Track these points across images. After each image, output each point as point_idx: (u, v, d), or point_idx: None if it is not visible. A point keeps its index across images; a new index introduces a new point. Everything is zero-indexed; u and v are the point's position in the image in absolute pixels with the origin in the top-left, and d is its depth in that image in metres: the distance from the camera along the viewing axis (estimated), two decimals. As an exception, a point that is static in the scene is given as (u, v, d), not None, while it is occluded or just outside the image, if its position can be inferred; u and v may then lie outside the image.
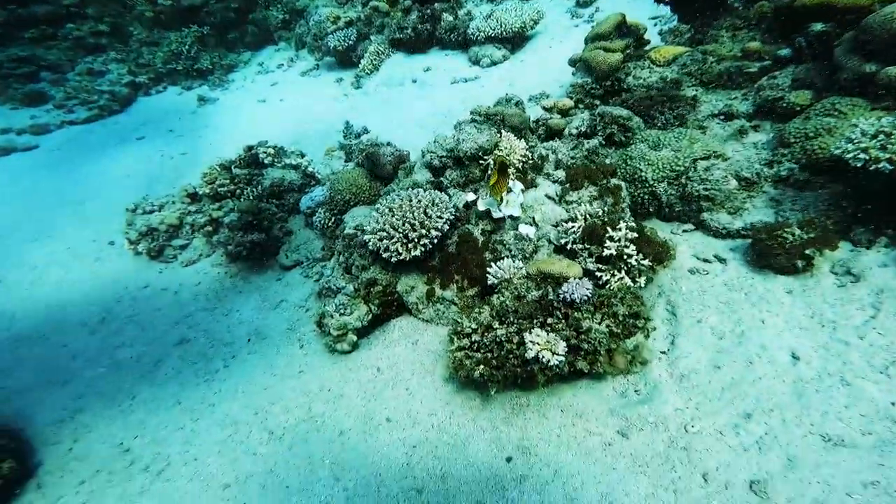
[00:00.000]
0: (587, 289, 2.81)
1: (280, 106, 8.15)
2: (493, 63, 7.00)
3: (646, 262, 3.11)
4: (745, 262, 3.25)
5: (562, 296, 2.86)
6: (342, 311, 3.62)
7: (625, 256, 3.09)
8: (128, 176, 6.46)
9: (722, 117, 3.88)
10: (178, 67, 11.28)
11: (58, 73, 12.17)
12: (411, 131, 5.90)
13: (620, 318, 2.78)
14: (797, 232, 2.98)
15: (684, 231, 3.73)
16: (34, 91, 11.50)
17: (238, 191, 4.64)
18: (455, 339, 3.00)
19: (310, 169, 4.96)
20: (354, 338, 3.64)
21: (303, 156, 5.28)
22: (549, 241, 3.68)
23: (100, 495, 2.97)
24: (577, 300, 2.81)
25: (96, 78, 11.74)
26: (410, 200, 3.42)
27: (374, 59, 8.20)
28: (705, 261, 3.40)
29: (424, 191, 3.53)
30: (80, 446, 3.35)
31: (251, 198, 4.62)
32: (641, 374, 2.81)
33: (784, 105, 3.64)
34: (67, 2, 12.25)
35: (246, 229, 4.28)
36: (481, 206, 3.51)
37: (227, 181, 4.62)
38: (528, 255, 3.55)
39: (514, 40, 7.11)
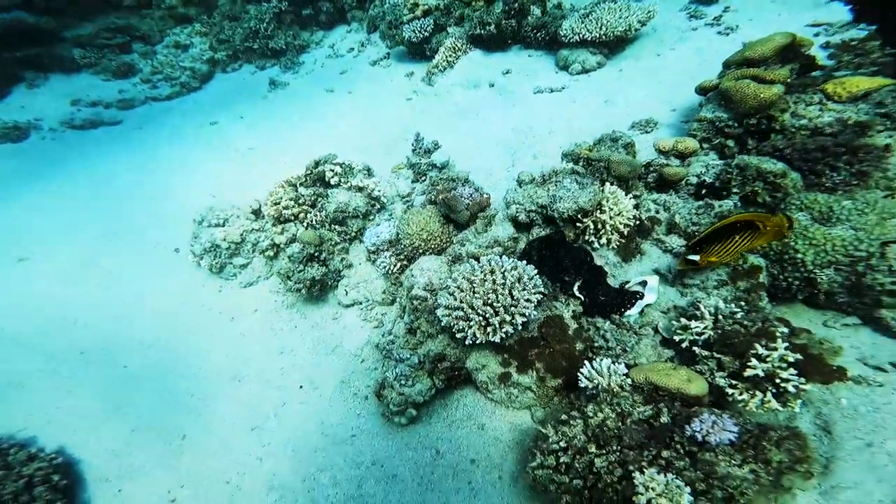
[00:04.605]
0: (731, 431, 2.20)
1: (347, 100, 7.77)
2: (585, 70, 6.08)
3: (808, 386, 2.39)
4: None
5: (689, 433, 2.27)
6: (403, 381, 3.24)
7: (778, 381, 2.39)
8: (196, 171, 6.42)
9: None
10: (255, 46, 11.21)
11: (148, 44, 12.54)
12: (488, 150, 5.27)
13: (774, 466, 2.15)
14: None
15: (844, 325, 2.90)
16: (125, 63, 11.90)
17: (302, 214, 4.32)
18: (538, 456, 2.53)
19: (376, 192, 4.53)
20: (414, 412, 3.29)
21: (370, 174, 4.86)
22: (656, 331, 3.03)
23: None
24: (714, 444, 2.21)
25: (181, 52, 11.94)
26: (493, 273, 2.88)
27: (450, 55, 7.51)
28: (878, 368, 2.63)
29: (509, 259, 2.97)
30: (129, 488, 3.28)
31: (314, 223, 4.29)
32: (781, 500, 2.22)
33: None
34: (168, -31, 12.25)
35: (307, 262, 3.98)
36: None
37: (292, 202, 4.31)
38: (627, 349, 2.93)
39: (612, 43, 6.12)
